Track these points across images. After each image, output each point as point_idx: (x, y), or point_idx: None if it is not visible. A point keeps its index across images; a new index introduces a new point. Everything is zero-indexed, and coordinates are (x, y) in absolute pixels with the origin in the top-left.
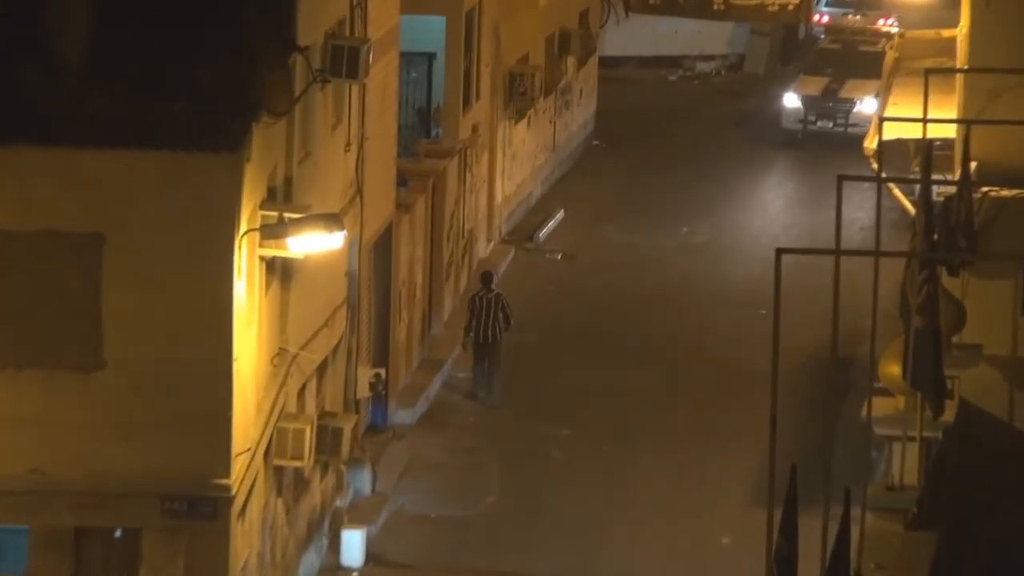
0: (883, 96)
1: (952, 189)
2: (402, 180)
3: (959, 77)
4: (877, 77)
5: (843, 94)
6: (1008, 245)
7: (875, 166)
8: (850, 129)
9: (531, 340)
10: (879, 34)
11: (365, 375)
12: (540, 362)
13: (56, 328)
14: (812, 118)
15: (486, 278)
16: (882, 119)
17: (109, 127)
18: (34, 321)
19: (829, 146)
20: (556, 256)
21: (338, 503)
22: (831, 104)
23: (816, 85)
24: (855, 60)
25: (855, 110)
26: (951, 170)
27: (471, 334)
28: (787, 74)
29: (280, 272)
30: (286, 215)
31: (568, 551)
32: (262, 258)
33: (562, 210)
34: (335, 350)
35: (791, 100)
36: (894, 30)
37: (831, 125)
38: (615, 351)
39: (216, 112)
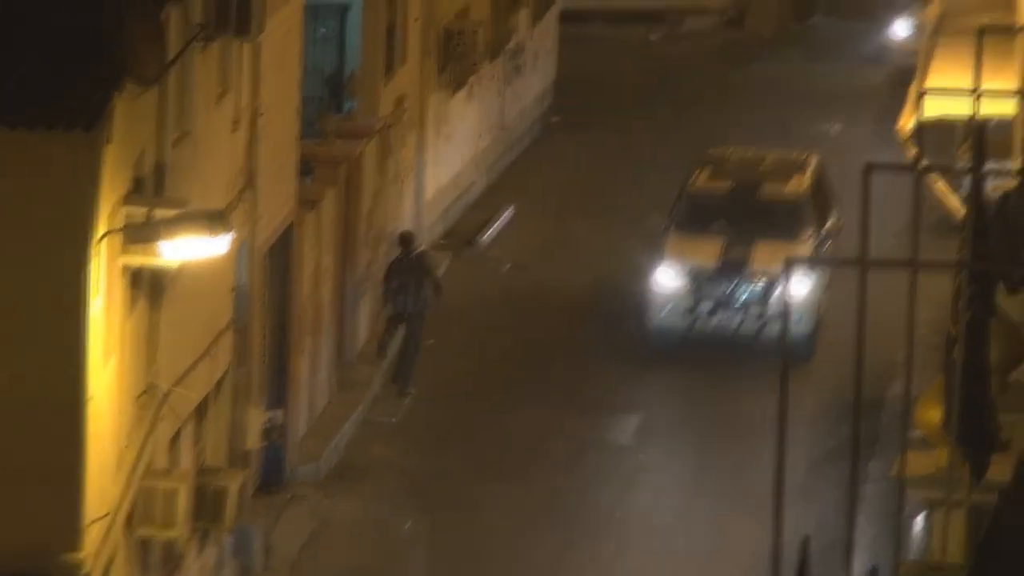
0: (923, 63)
1: (1012, 182)
2: (306, 168)
3: (1021, 39)
4: (790, 238)
5: (754, 264)
6: None
7: (913, 152)
8: (764, 333)
9: (472, 371)
10: (791, 165)
11: (256, 419)
12: (483, 399)
13: None
14: (705, 307)
15: (405, 238)
16: (921, 92)
17: None
18: None
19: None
20: (504, 265)
21: None
22: (734, 284)
23: (706, 250)
24: (764, 206)
25: (774, 295)
26: (1011, 157)
27: (394, 305)
28: (803, 33)
29: (149, 287)
30: (157, 212)
31: None
32: (126, 268)
33: (512, 206)
34: (218, 387)
35: (667, 277)
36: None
37: (734, 324)
38: (579, 388)
39: (67, 78)
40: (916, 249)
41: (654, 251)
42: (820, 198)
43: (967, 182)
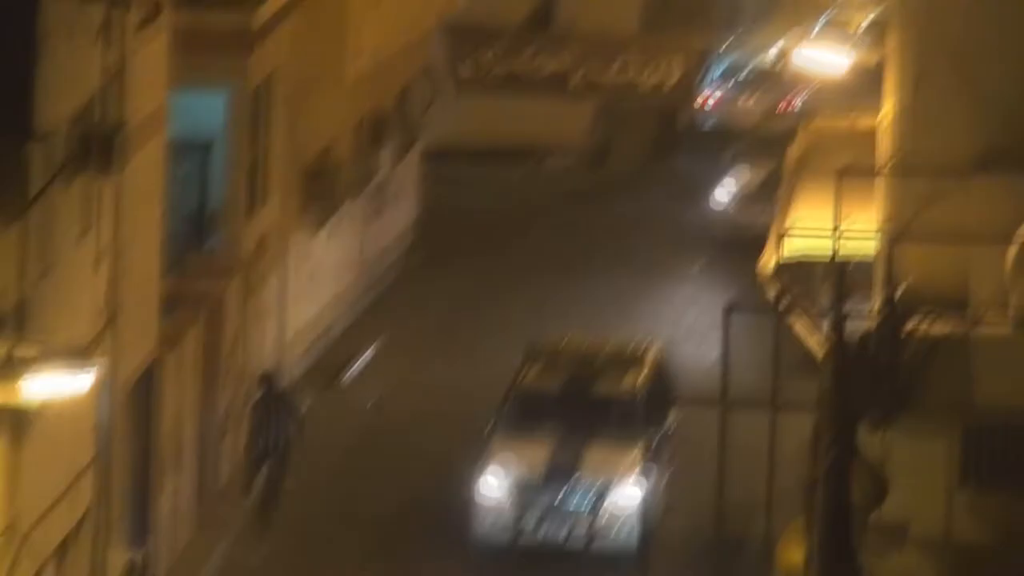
0: (784, 201)
1: (872, 323)
2: (169, 306)
3: (880, 180)
4: (624, 439)
5: (584, 470)
6: (944, 395)
7: (773, 294)
8: (595, 544)
9: (331, 512)
10: (628, 357)
11: (118, 559)
12: (347, 540)
13: None
14: (530, 521)
15: (267, 378)
16: (783, 232)
17: None
18: None
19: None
20: (366, 403)
21: None
22: (563, 492)
23: (533, 455)
24: (597, 405)
25: (606, 503)
26: (870, 298)
27: (256, 445)
28: (664, 173)
29: (10, 425)
30: (17, 351)
31: None
32: None
33: (374, 344)
34: (79, 526)
35: (490, 487)
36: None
37: (562, 535)
38: (448, 547)
39: None
40: (775, 390)
41: (478, 454)
42: (659, 393)
43: (828, 323)
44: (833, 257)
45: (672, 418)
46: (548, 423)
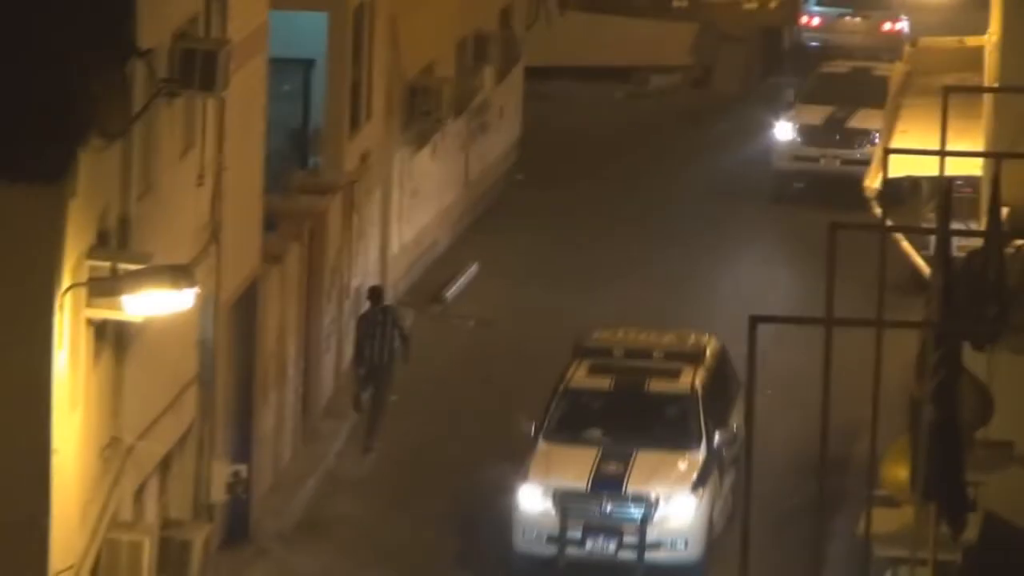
0: (889, 122)
1: (978, 242)
2: (271, 223)
3: (987, 98)
4: (677, 447)
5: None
6: None
7: (878, 211)
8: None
9: (438, 432)
10: (685, 354)
11: (221, 473)
12: (447, 459)
13: None
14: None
15: (375, 293)
16: (887, 151)
17: None
18: None
19: (832, 191)
20: (468, 322)
21: None
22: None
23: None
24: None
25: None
26: (976, 217)
27: (363, 359)
28: (769, 92)
29: (113, 340)
30: (121, 266)
31: None
32: (90, 321)
33: (476, 263)
34: (182, 441)
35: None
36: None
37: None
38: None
39: (31, 133)
40: (881, 307)
41: (519, 460)
42: (720, 391)
43: (934, 241)
44: (939, 176)
45: (735, 417)
46: (596, 426)
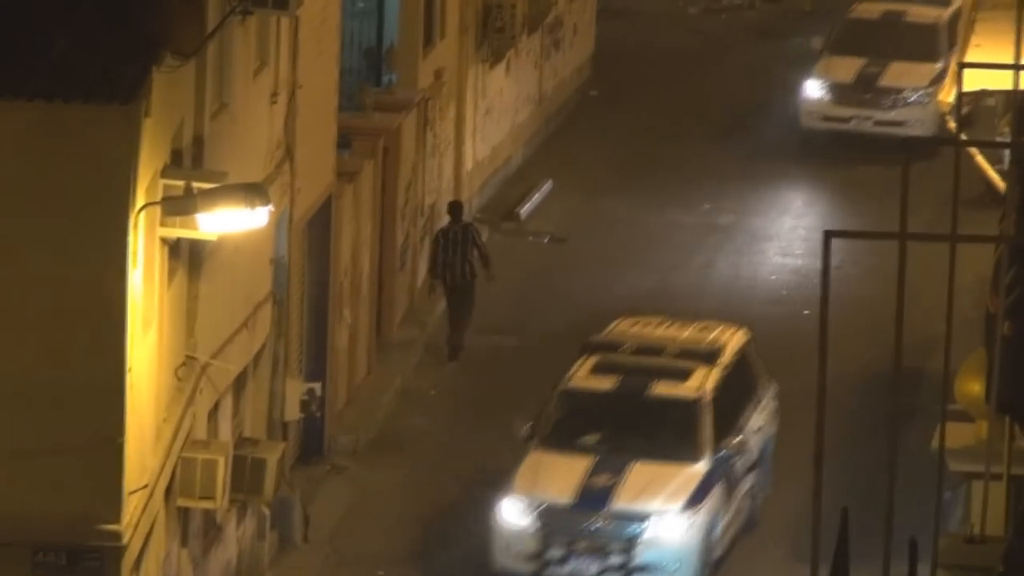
0: (963, 36)
1: None
2: (345, 141)
3: None
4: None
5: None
6: None
7: (953, 125)
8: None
9: (511, 346)
10: (701, 351)
11: (296, 391)
12: (522, 373)
13: None
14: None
15: (454, 208)
16: (961, 65)
17: None
18: None
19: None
20: (543, 239)
21: (260, 555)
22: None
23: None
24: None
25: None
26: None
27: (440, 274)
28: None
29: (187, 258)
30: (195, 185)
31: None
32: (164, 240)
33: (550, 180)
34: (257, 359)
35: (512, 514)
36: None
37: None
38: None
39: (105, 52)
40: (955, 222)
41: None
42: (737, 394)
43: (1008, 156)
44: (1013, 90)
45: (757, 422)
46: (593, 432)
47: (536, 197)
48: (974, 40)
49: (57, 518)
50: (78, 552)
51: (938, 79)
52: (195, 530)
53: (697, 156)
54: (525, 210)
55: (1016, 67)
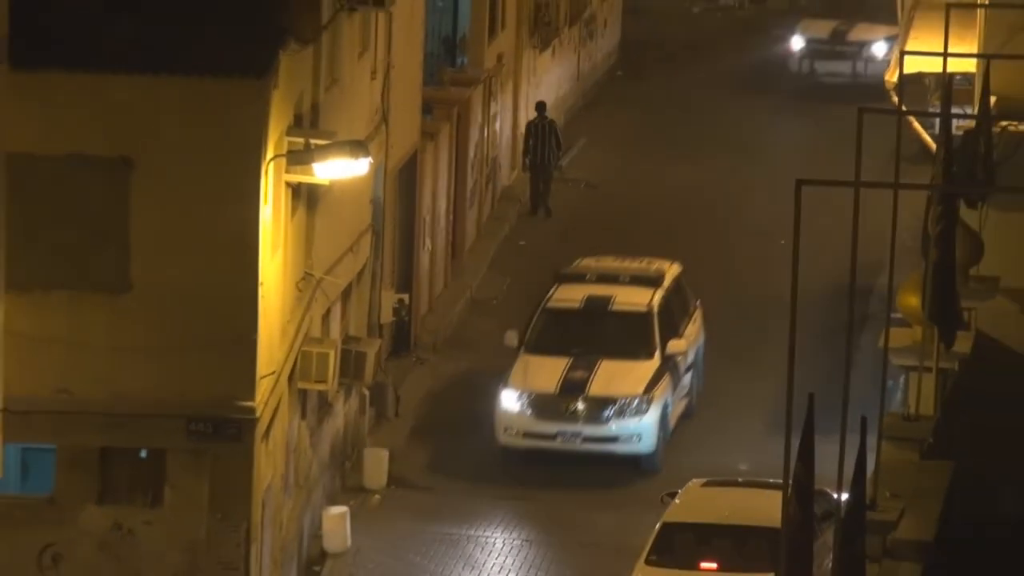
0: (904, 30)
1: (972, 123)
2: (427, 108)
3: (980, 11)
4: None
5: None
6: None
7: (895, 99)
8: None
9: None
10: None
11: (389, 300)
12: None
13: (84, 250)
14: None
15: (540, 106)
16: (903, 52)
17: (136, 52)
18: (62, 243)
19: (837, 91)
20: (580, 184)
21: (361, 426)
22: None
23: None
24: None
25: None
26: (971, 104)
27: (528, 156)
28: (814, 5)
29: (306, 198)
30: (312, 141)
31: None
32: (288, 184)
33: (584, 138)
34: (359, 275)
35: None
36: None
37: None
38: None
39: (244, 38)
40: (897, 174)
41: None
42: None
43: (938, 123)
44: (942, 72)
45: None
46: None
47: (574, 151)
48: (912, 34)
49: (205, 397)
50: (221, 423)
51: (654, 383)
52: (311, 407)
53: (699, 119)
54: (565, 161)
55: (944, 55)
